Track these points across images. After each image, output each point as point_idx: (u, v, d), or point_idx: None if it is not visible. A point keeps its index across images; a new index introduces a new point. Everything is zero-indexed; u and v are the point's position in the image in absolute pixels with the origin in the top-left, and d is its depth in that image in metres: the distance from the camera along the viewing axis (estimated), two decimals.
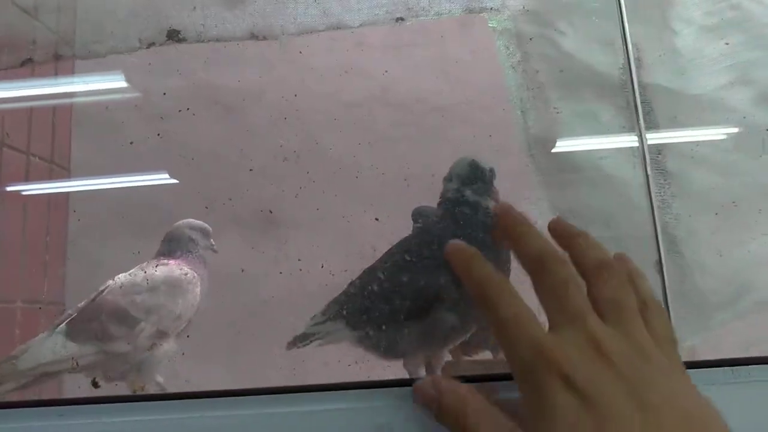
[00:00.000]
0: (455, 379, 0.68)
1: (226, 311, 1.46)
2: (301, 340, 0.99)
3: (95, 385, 1.11)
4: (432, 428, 0.66)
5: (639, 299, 0.66)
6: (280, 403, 0.72)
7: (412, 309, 0.88)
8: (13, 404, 0.75)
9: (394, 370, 0.90)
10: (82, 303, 1.25)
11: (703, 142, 1.16)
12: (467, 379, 0.67)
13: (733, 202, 1.11)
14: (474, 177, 0.95)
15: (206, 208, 1.40)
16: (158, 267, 1.26)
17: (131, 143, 1.64)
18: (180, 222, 1.34)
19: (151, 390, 1.18)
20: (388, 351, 0.92)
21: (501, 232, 0.73)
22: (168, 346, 1.20)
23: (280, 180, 1.36)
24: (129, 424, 0.70)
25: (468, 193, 0.93)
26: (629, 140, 1.14)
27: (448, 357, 0.97)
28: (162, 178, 1.62)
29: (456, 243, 0.72)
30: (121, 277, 1.24)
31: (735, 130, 1.16)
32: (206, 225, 1.34)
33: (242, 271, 1.30)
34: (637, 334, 0.62)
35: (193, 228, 1.33)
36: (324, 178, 1.34)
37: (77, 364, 1.14)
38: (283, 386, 0.74)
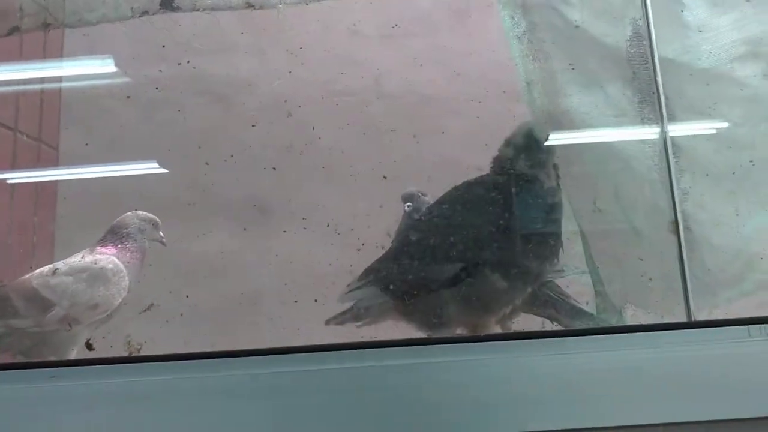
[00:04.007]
0: None
1: (234, 274, 1.42)
2: (340, 314, 0.98)
3: (89, 347, 1.07)
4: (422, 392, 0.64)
5: None
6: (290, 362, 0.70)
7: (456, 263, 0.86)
8: (4, 366, 0.73)
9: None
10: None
11: (712, 115, 1.14)
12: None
13: (734, 174, 1.09)
14: (532, 147, 0.99)
15: (206, 164, 1.36)
16: (88, 255, 1.22)
17: (120, 129, 1.60)
18: (128, 213, 1.30)
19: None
20: (429, 317, 0.90)
21: None
22: (77, 329, 1.16)
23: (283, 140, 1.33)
24: (121, 386, 0.67)
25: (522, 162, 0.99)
26: (639, 115, 1.12)
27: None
28: (151, 167, 1.59)
29: None
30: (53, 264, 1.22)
31: (743, 103, 1.13)
32: (155, 216, 1.30)
33: (244, 230, 1.26)
34: None
35: (140, 219, 1.29)
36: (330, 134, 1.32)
37: None
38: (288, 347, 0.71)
